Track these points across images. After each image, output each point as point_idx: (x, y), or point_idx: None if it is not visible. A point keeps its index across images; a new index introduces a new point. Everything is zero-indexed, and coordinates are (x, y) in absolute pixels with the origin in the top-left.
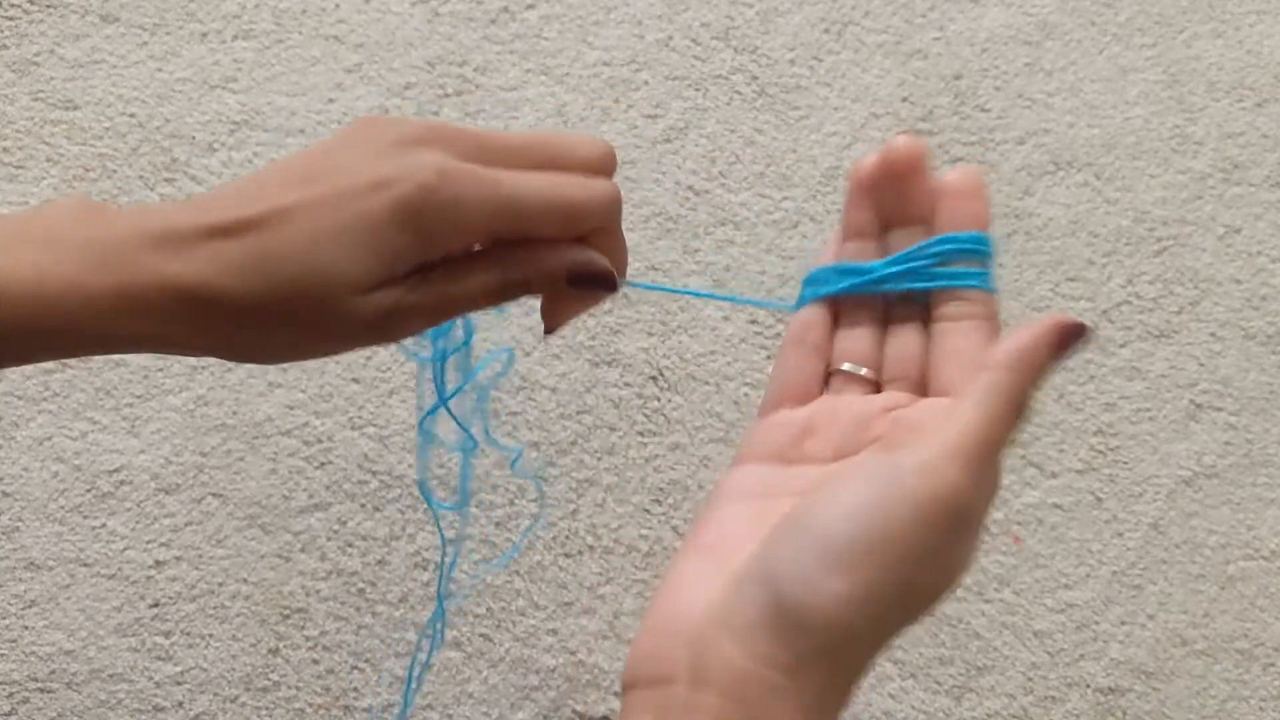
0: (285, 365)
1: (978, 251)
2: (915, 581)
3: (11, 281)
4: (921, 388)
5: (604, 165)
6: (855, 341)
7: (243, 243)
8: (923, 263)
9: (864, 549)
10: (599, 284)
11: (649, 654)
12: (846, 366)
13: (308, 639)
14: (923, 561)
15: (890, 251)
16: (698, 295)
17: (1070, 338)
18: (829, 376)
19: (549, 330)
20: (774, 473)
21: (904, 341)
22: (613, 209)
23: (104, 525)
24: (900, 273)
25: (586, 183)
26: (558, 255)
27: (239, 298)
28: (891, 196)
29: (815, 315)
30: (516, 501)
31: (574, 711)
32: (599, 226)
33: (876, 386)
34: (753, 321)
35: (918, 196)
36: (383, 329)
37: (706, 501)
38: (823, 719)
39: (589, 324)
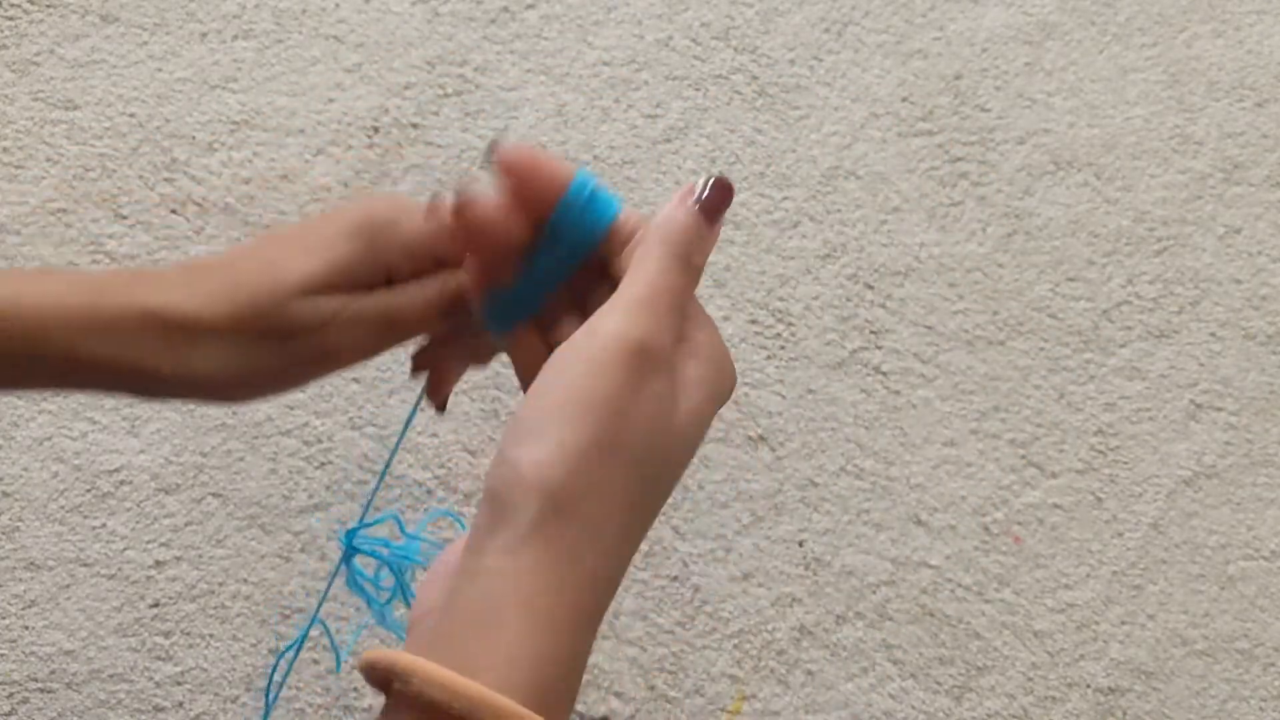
0: None
1: (587, 199)
2: (621, 428)
3: None
4: None
5: None
6: (566, 327)
7: (215, 275)
8: (564, 245)
9: (552, 413)
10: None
11: (422, 601)
12: None
13: (308, 639)
14: (619, 407)
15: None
16: None
17: (711, 197)
18: None
19: (437, 404)
20: None
21: (600, 296)
22: None
23: (104, 525)
24: (560, 259)
25: None
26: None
27: (202, 317)
28: (539, 192)
29: (528, 343)
30: None
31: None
32: None
33: None
34: (752, 322)
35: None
36: (330, 332)
37: None
38: (590, 580)
39: None
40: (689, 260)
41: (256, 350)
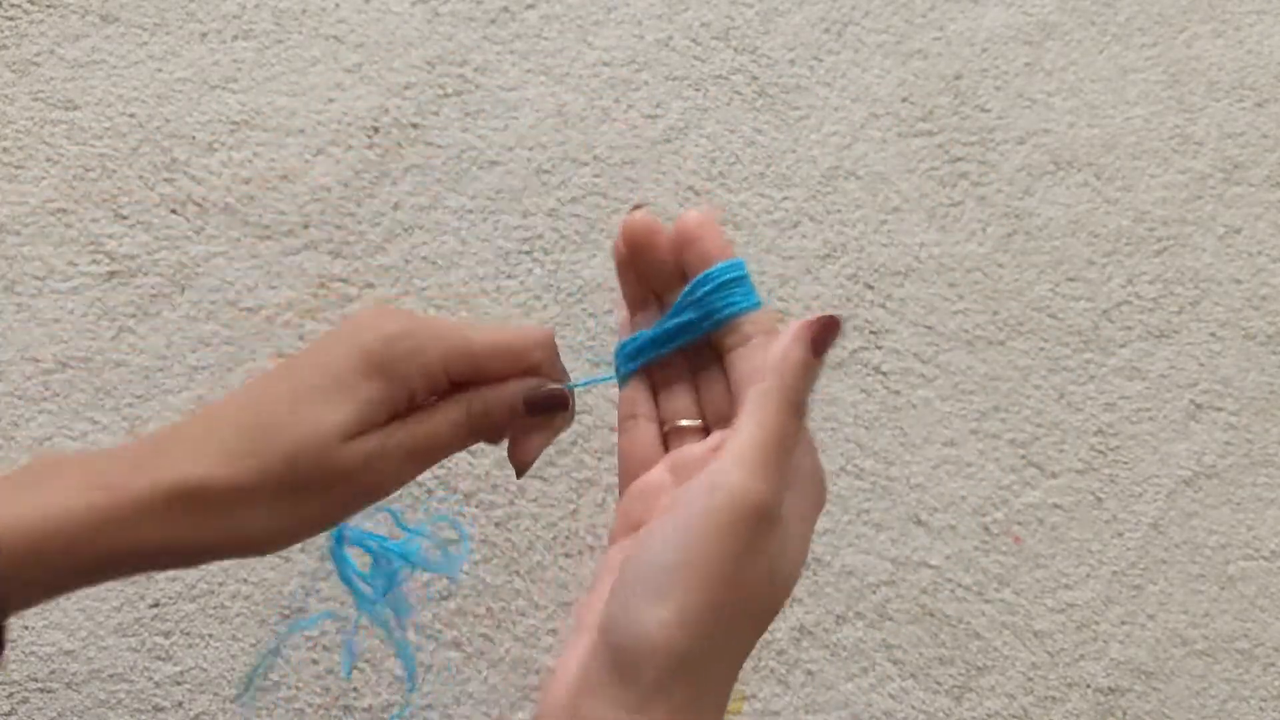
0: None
1: (731, 278)
2: (739, 589)
3: (13, 526)
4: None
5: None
6: (676, 398)
7: (239, 429)
8: (691, 311)
9: (676, 573)
10: (553, 403)
11: None
12: (679, 423)
13: (308, 639)
14: (738, 569)
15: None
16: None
17: (820, 334)
18: (666, 437)
19: (521, 470)
20: None
21: (712, 383)
22: (550, 343)
23: None
24: (683, 325)
25: (523, 325)
26: (512, 385)
27: (233, 481)
28: (650, 264)
29: (635, 389)
30: (517, 501)
31: None
32: (541, 359)
33: (707, 431)
34: None
35: (670, 257)
36: (371, 473)
37: (590, 586)
38: None
39: (589, 325)
40: (802, 402)
41: (300, 503)
